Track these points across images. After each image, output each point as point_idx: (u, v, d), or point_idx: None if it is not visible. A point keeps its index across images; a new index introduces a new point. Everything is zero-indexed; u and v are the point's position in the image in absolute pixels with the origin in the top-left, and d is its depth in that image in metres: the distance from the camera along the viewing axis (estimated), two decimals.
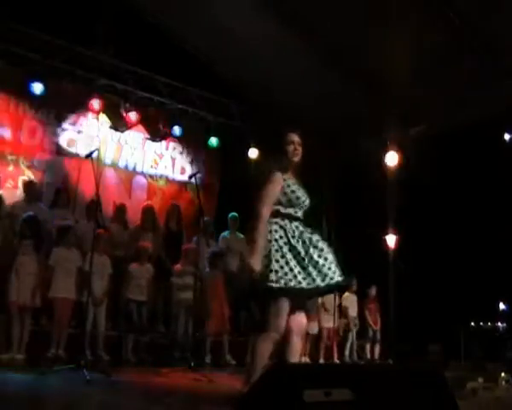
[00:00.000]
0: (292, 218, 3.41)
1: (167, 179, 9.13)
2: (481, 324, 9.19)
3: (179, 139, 9.07)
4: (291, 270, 3.26)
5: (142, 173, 8.89)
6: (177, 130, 8.83)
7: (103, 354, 6.14)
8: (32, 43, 7.54)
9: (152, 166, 9.00)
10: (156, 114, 8.94)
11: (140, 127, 8.66)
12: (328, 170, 10.15)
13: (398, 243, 9.25)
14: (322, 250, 3.35)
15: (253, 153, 9.16)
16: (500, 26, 6.78)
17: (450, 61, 7.24)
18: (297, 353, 3.43)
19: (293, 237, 3.34)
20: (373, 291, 8.79)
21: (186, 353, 6.36)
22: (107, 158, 8.47)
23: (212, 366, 6.58)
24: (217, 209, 9.21)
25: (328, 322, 7.97)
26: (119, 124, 8.55)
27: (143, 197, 8.63)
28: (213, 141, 9.21)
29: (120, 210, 7.55)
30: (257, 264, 3.22)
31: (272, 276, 3.22)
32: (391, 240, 9.30)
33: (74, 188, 7.79)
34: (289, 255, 3.29)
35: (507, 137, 8.14)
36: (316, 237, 3.40)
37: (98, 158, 7.97)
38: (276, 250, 3.28)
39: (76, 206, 7.53)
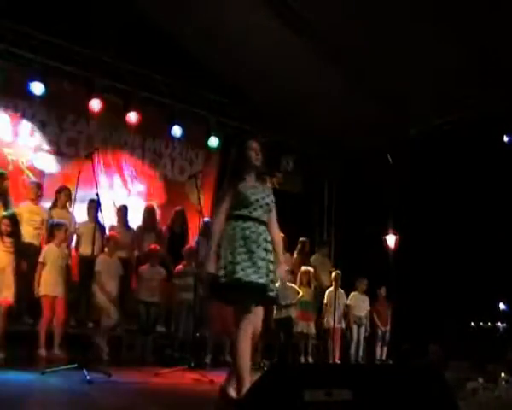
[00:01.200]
0: (246, 218, 3.53)
1: (166, 179, 9.11)
2: (481, 324, 9.18)
3: (179, 139, 9.04)
4: (238, 263, 3.39)
5: (142, 173, 8.88)
6: (177, 130, 8.80)
7: (105, 348, 6.17)
8: (32, 43, 7.53)
9: (151, 167, 8.98)
10: (156, 114, 8.93)
11: (140, 127, 8.63)
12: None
13: (398, 242, 9.25)
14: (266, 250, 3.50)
15: None
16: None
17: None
18: (248, 350, 3.45)
19: (245, 236, 3.46)
20: (382, 292, 8.78)
21: (186, 353, 6.36)
22: (107, 158, 8.46)
23: (212, 365, 6.58)
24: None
25: (332, 322, 7.93)
26: (119, 124, 8.54)
27: (143, 198, 8.61)
28: (213, 141, 9.18)
29: (122, 211, 7.55)
30: (211, 267, 3.42)
31: (222, 271, 3.39)
32: (391, 240, 9.30)
33: (74, 188, 7.77)
34: (239, 251, 3.42)
35: (506, 138, 8.15)
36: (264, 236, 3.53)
37: (98, 158, 7.98)
38: (226, 248, 3.43)
39: (76, 206, 7.51)
